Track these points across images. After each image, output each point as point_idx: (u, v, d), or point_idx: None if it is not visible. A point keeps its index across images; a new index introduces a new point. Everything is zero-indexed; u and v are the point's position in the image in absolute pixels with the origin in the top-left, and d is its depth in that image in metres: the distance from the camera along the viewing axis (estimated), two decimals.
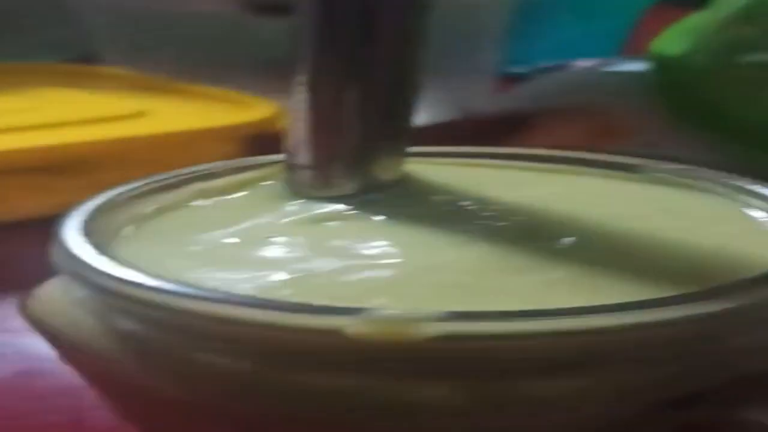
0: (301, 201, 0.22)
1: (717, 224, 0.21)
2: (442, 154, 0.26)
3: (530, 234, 0.20)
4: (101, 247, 0.18)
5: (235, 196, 0.23)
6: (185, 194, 0.23)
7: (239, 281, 0.18)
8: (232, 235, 0.20)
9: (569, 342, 0.15)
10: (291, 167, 0.23)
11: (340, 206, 0.21)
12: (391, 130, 0.23)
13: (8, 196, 0.35)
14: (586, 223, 0.21)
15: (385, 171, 0.23)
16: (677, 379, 0.15)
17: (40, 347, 0.18)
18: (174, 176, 0.23)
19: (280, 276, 0.18)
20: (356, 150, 0.22)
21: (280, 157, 0.23)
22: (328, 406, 0.15)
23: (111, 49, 0.53)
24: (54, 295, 0.19)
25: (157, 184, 0.23)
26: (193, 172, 0.23)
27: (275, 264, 0.19)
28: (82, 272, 0.17)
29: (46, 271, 0.19)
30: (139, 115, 0.41)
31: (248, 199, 0.23)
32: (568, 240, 0.19)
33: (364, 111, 0.22)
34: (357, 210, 0.21)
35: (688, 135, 0.41)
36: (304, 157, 0.22)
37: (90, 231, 0.19)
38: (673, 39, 0.42)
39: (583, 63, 0.47)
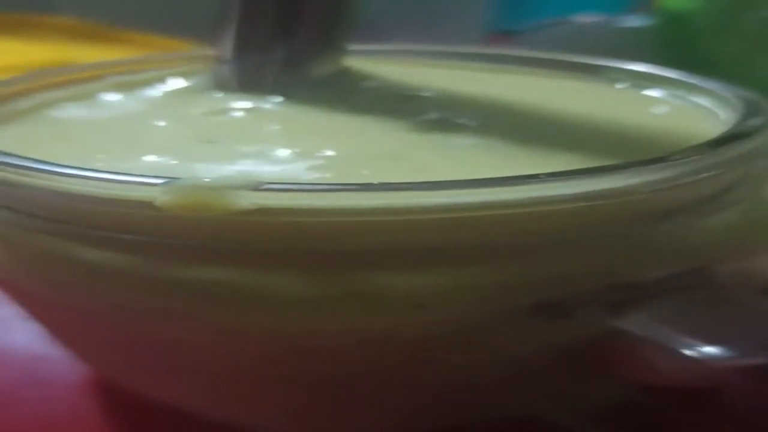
0: (223, 94, 0.20)
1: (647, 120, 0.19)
2: (398, 52, 0.24)
3: (438, 124, 0.18)
4: None
5: (153, 89, 0.21)
6: (98, 86, 0.21)
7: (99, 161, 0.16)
8: (125, 122, 0.19)
9: (413, 223, 0.12)
10: (218, 62, 0.21)
11: (260, 100, 0.19)
12: (325, 28, 0.21)
13: None
14: (502, 114, 0.18)
15: (319, 68, 0.21)
16: (547, 282, 0.13)
17: None
18: (91, 67, 0.21)
19: (148, 159, 0.16)
20: (281, 46, 0.20)
21: (209, 51, 0.21)
22: (171, 296, 0.13)
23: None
24: None
25: (71, 75, 0.21)
26: (114, 63, 0.22)
27: (145, 148, 0.17)
28: None
29: None
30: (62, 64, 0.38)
31: (165, 93, 0.21)
32: (472, 129, 0.17)
33: (292, 8, 0.20)
34: (273, 103, 0.19)
35: None
36: (230, 51, 0.21)
37: None
38: None
39: (585, 19, 0.44)
